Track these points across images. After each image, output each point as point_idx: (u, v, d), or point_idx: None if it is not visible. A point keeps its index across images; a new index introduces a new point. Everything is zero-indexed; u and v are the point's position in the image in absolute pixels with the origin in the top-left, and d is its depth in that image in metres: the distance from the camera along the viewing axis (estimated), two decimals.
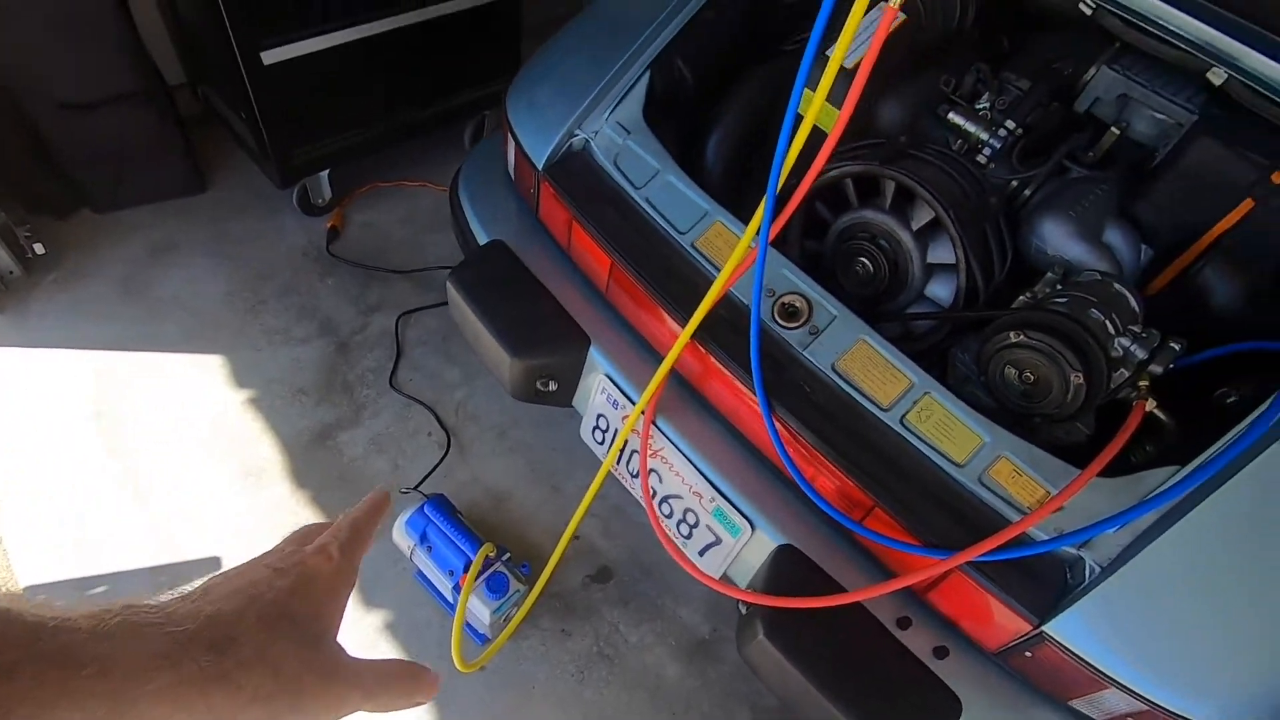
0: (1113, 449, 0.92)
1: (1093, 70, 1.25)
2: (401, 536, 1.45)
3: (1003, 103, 1.29)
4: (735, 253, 1.02)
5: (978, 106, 1.30)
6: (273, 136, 1.84)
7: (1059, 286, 1.11)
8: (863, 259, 1.20)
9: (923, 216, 1.13)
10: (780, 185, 0.93)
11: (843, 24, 0.80)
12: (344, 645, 0.37)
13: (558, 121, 1.30)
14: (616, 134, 1.27)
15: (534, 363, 1.28)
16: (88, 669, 0.28)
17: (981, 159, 1.26)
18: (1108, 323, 1.02)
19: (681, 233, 1.19)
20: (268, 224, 2.14)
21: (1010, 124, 1.23)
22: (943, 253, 1.13)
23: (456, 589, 1.35)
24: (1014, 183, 1.23)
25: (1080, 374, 0.96)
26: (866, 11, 0.75)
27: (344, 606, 0.39)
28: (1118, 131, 1.22)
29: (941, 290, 1.19)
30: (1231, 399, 1.07)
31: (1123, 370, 1.01)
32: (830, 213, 1.26)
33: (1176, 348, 1.04)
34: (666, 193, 1.22)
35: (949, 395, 1.01)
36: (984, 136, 1.25)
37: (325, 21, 1.74)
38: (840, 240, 1.24)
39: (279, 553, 0.39)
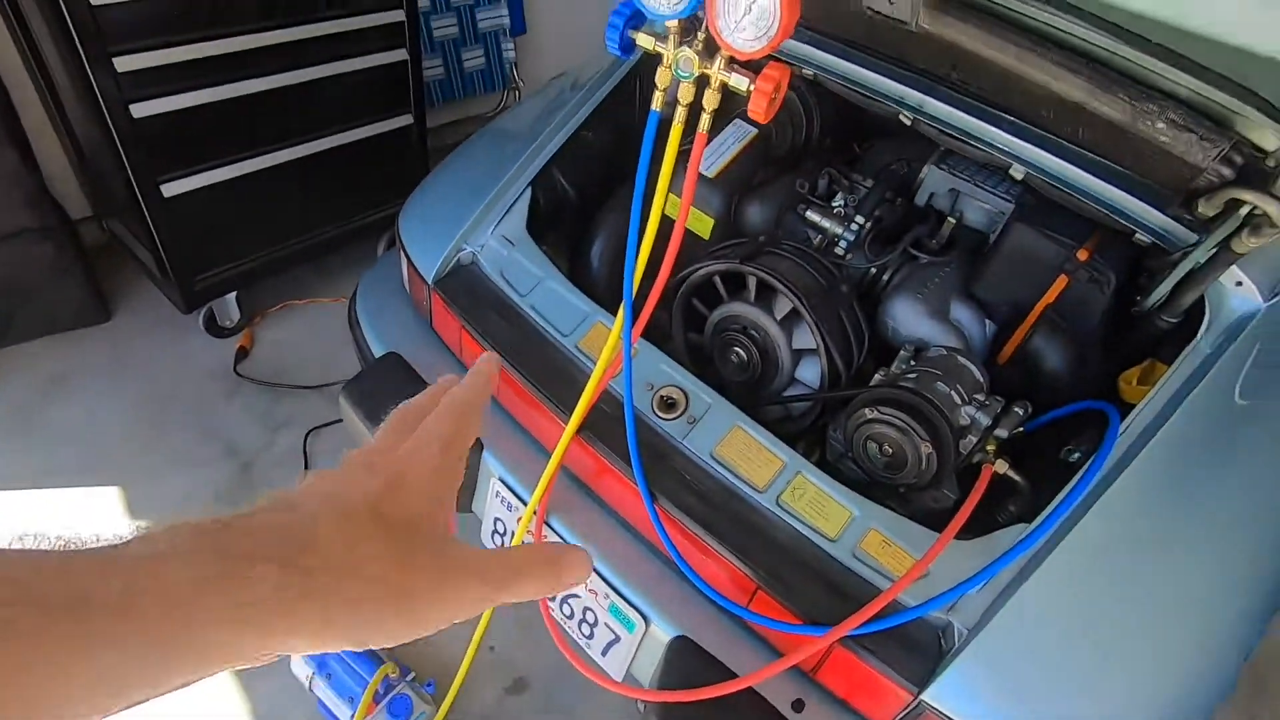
0: (964, 512, 0.98)
1: (924, 169, 1.41)
2: (300, 666, 1.38)
3: (853, 201, 1.43)
4: (604, 353, 1.07)
5: (833, 205, 1.44)
6: (175, 264, 1.86)
7: (911, 362, 1.21)
8: (736, 349, 1.27)
9: (784, 307, 1.22)
10: (636, 288, 1.00)
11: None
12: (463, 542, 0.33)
13: (446, 237, 1.37)
14: (502, 246, 1.35)
15: None
16: (104, 611, 0.23)
17: (840, 250, 1.39)
18: (953, 393, 1.10)
19: (565, 335, 1.24)
20: (173, 348, 2.12)
21: (860, 219, 1.37)
22: (806, 339, 1.22)
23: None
24: (871, 270, 1.35)
25: (929, 443, 1.03)
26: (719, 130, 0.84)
27: (450, 504, 0.34)
28: (954, 221, 1.36)
29: (809, 373, 1.27)
30: (1075, 455, 1.15)
31: (971, 437, 1.09)
32: (706, 307, 1.34)
33: (1021, 412, 1.13)
34: (549, 298, 1.28)
35: (819, 473, 1.07)
36: (839, 231, 1.39)
37: (224, 154, 1.81)
38: (716, 332, 1.32)
39: (376, 448, 0.35)
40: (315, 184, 2.04)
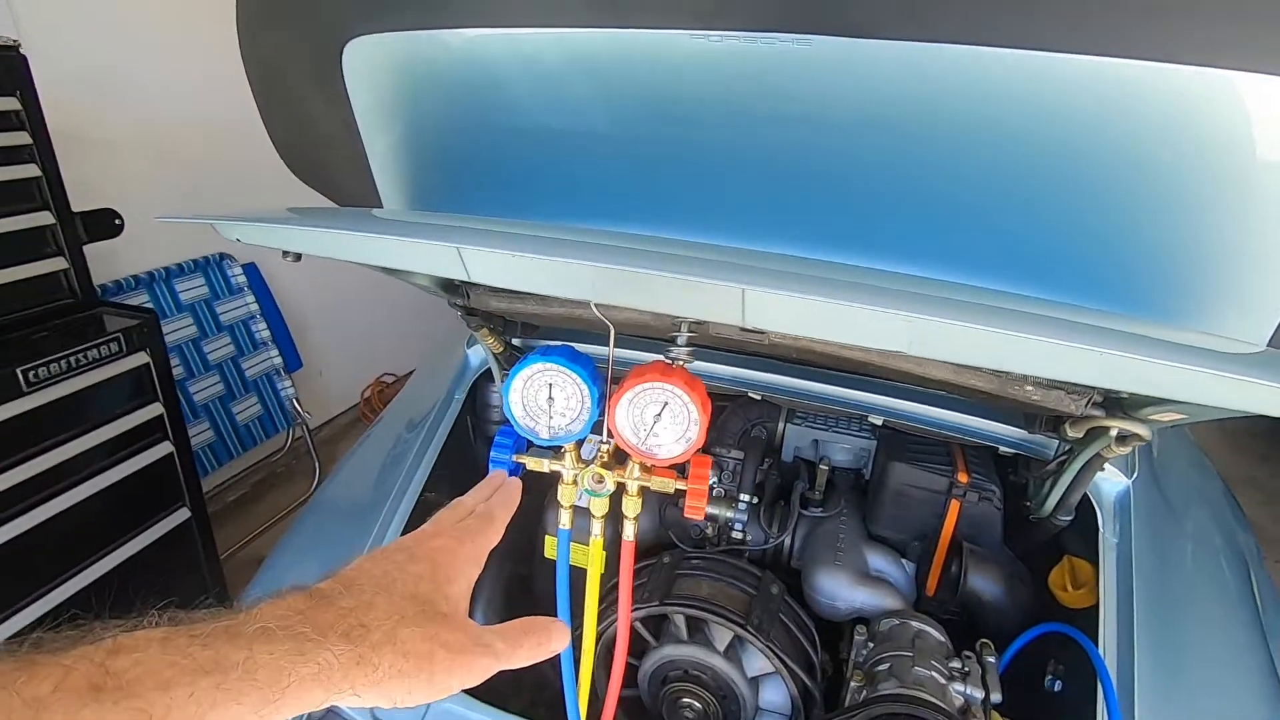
0: None
1: (781, 427, 1.42)
2: None
3: (730, 479, 1.38)
4: None
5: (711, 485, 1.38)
6: None
7: (870, 644, 1.10)
8: (686, 699, 1.08)
9: (724, 636, 1.08)
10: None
11: None
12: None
13: None
14: None
15: None
16: (234, 673, 0.35)
17: (737, 533, 1.31)
18: (934, 675, 1.00)
19: None
20: None
21: (744, 496, 1.31)
22: (759, 662, 1.07)
23: None
24: (771, 544, 1.27)
25: None
26: None
27: (469, 586, 0.48)
28: (827, 467, 1.36)
29: (774, 695, 1.11)
30: (1058, 685, 1.10)
31: (972, 717, 0.98)
32: (633, 656, 1.15)
33: (992, 660, 1.06)
34: None
35: None
36: (729, 515, 1.31)
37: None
38: (654, 683, 1.12)
39: (421, 535, 0.49)
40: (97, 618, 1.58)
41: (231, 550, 2.41)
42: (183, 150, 2.32)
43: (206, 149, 2.39)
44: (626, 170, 0.80)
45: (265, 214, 0.68)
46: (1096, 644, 0.98)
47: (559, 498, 0.68)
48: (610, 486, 0.66)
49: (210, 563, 1.90)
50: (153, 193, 2.22)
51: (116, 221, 1.71)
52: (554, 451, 0.68)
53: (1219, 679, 0.98)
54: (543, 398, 0.62)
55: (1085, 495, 1.12)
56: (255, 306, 2.56)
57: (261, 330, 2.58)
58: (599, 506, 0.68)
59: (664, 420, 0.61)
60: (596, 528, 0.69)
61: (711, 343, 1.31)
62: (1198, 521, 1.24)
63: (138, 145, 2.19)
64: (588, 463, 0.66)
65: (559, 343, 0.65)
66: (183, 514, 1.77)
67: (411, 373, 1.83)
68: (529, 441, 0.68)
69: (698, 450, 0.63)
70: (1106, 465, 1.12)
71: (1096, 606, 1.05)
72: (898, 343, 0.50)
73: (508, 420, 1.51)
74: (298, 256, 0.74)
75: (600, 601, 1.00)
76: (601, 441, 0.66)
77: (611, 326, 0.62)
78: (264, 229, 0.64)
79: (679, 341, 0.64)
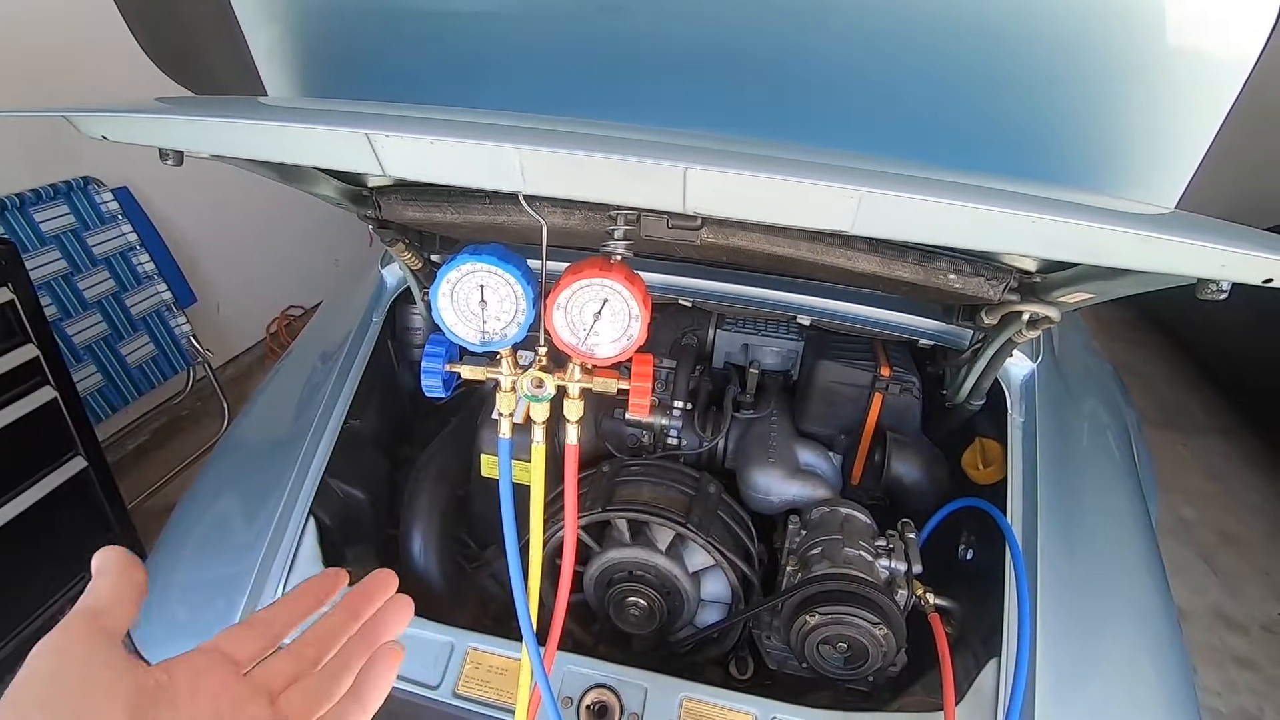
0: (948, 675, 0.92)
1: (711, 334, 1.43)
2: None
3: (663, 388, 1.39)
4: (520, 704, 0.84)
5: None
6: None
7: (803, 533, 1.16)
8: (633, 598, 1.11)
9: (665, 536, 1.10)
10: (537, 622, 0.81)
11: None
12: None
13: (214, 626, 1.01)
14: None
15: None
16: None
17: (672, 439, 1.33)
18: (862, 553, 1.07)
19: (434, 687, 0.97)
20: None
21: (678, 403, 1.32)
22: (700, 558, 1.11)
23: None
24: (706, 447, 1.30)
25: (881, 624, 0.97)
26: None
27: None
28: (756, 371, 1.39)
29: (715, 587, 1.15)
30: (970, 554, 1.20)
31: (900, 591, 1.06)
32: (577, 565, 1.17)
33: (913, 536, 1.14)
34: None
35: (792, 708, 0.94)
36: (664, 422, 1.33)
37: None
38: (600, 586, 1.14)
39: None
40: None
41: (138, 500, 2.27)
42: (29, 55, 2.01)
43: (59, 53, 2.08)
44: (543, 54, 0.74)
45: (134, 105, 0.59)
46: (1005, 514, 1.06)
47: (498, 406, 0.66)
48: (551, 390, 0.64)
49: (117, 513, 1.78)
50: None
51: None
52: (488, 358, 0.65)
53: (1108, 534, 1.09)
54: (474, 301, 0.58)
55: (995, 380, 1.20)
56: (133, 236, 2.31)
57: (144, 263, 2.35)
58: (540, 412, 0.66)
59: (604, 318, 0.59)
60: (539, 434, 0.67)
61: (641, 247, 1.29)
62: (1091, 399, 1.35)
63: None
64: (525, 368, 0.64)
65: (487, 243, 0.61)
66: (78, 463, 1.64)
67: (321, 303, 1.72)
68: (461, 350, 0.65)
69: (639, 348, 0.61)
70: (1015, 351, 1.19)
71: (1004, 482, 1.14)
72: (843, 221, 0.49)
73: (422, 345, 1.45)
74: (180, 158, 0.65)
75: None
76: (538, 344, 0.63)
77: (544, 222, 0.59)
78: (136, 121, 0.55)
79: (615, 235, 0.61)
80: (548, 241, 0.65)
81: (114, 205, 2.26)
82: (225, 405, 2.66)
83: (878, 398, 1.28)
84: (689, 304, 1.27)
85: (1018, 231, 0.47)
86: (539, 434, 0.66)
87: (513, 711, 0.94)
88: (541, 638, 0.84)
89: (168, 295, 2.42)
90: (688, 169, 0.47)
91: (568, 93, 0.80)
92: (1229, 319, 3.30)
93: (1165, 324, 4.03)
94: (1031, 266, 0.89)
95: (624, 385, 0.63)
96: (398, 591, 0.45)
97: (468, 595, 1.31)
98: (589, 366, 0.63)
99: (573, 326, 0.60)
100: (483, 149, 0.49)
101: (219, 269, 2.84)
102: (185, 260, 2.62)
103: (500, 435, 0.66)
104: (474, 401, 1.46)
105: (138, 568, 0.36)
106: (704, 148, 0.50)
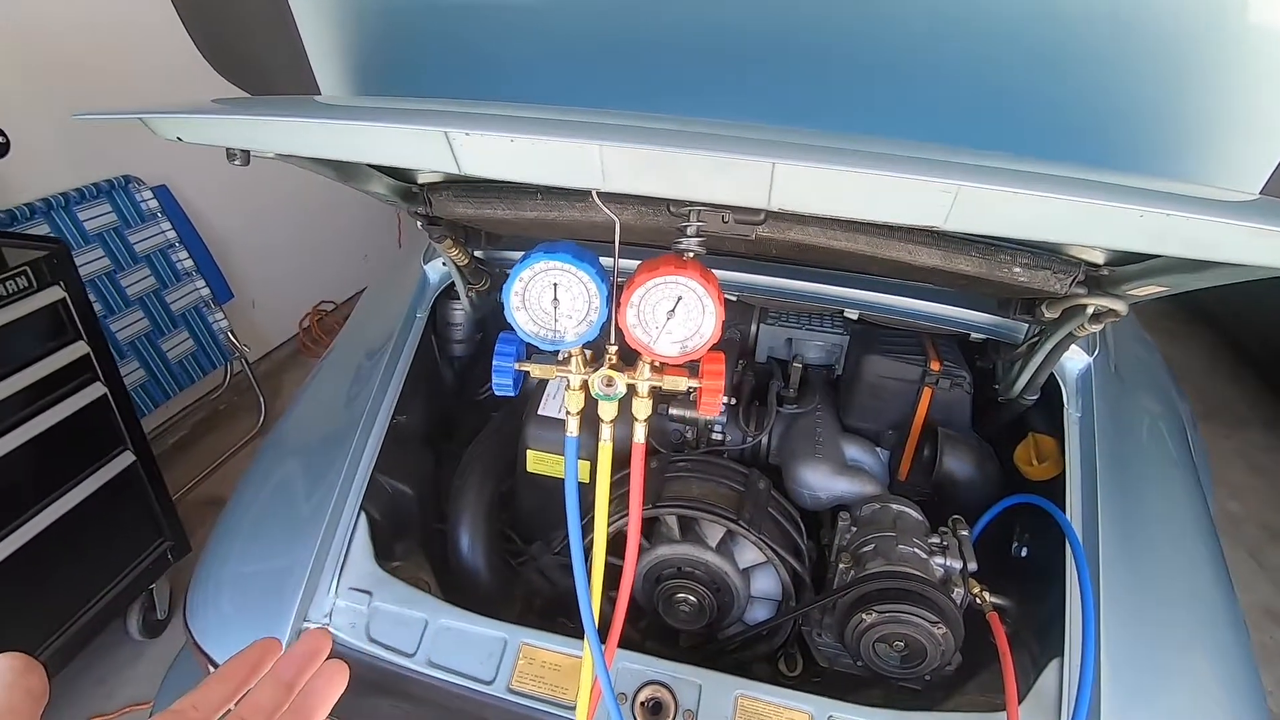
0: (1010, 678, 0.90)
1: (754, 328, 1.42)
2: None
3: None
4: (580, 701, 0.84)
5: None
6: None
7: (853, 529, 1.14)
8: (682, 594, 1.11)
9: (715, 533, 1.10)
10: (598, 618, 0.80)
11: None
12: None
13: (270, 620, 1.03)
14: (356, 602, 1.04)
15: None
16: None
17: (717, 436, 1.32)
18: (917, 551, 1.05)
19: (488, 682, 0.97)
20: None
21: (724, 397, 1.31)
22: (750, 554, 1.10)
23: None
24: (750, 442, 1.29)
25: (940, 623, 0.95)
26: None
27: None
28: (800, 366, 1.38)
29: (765, 583, 1.15)
30: (1024, 551, 1.18)
31: (956, 589, 1.04)
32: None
33: (965, 533, 1.12)
34: (447, 641, 1.01)
35: (851, 707, 0.93)
36: (709, 416, 1.31)
37: None
38: (650, 584, 1.14)
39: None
40: (45, 575, 1.50)
41: (181, 492, 2.31)
42: (67, 57, 2.04)
43: (95, 54, 2.11)
44: (604, 49, 0.73)
45: (203, 106, 0.59)
46: (1064, 511, 1.04)
47: (566, 404, 0.65)
48: (621, 389, 0.63)
49: (164, 507, 1.81)
50: (34, 109, 1.96)
51: (1, 140, 1.50)
52: (556, 356, 0.65)
53: (1171, 535, 1.06)
54: (547, 299, 0.58)
55: (1051, 374, 1.17)
56: (173, 234, 2.34)
57: (183, 260, 2.38)
58: (608, 410, 0.66)
59: (677, 316, 0.58)
60: (606, 432, 0.67)
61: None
62: (1146, 392, 1.32)
63: (11, 54, 1.91)
64: (595, 366, 0.63)
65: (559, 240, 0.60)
66: (126, 458, 1.67)
67: (354, 297, 1.72)
68: (530, 348, 0.64)
69: (712, 346, 0.60)
70: (1072, 345, 1.16)
71: (1060, 478, 1.12)
72: (935, 217, 0.47)
73: (465, 340, 1.45)
74: (247, 158, 0.65)
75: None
76: (609, 342, 0.62)
77: (617, 220, 0.58)
78: (211, 123, 0.55)
79: (688, 232, 0.60)
80: (602, 239, 0.64)
81: (154, 203, 2.29)
82: (261, 399, 2.69)
83: (927, 392, 1.26)
84: (733, 299, 1.25)
85: (1123, 226, 0.45)
86: (607, 432, 0.65)
87: (566, 706, 0.94)
88: (599, 635, 0.84)
89: (206, 291, 2.46)
90: (775, 164, 0.46)
91: (625, 84, 0.78)
92: (1272, 307, 3.21)
93: (1205, 313, 3.94)
94: (1100, 259, 0.87)
95: (694, 384, 0.62)
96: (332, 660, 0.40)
97: (514, 590, 1.31)
98: (658, 364, 0.63)
99: (645, 325, 0.59)
100: (564, 146, 0.49)
101: (253, 266, 2.87)
102: (220, 256, 2.66)
103: (568, 434, 0.66)
104: (521, 398, 1.46)
105: (34, 674, 0.33)
106: (789, 142, 0.49)
